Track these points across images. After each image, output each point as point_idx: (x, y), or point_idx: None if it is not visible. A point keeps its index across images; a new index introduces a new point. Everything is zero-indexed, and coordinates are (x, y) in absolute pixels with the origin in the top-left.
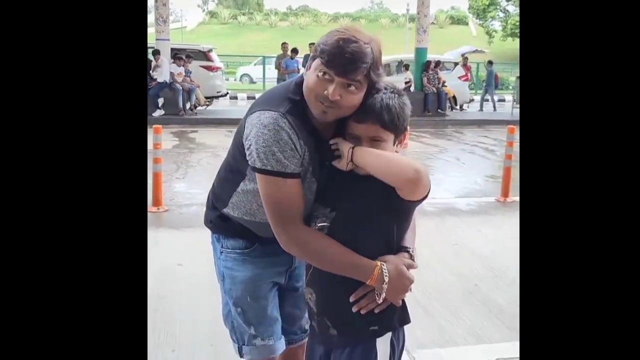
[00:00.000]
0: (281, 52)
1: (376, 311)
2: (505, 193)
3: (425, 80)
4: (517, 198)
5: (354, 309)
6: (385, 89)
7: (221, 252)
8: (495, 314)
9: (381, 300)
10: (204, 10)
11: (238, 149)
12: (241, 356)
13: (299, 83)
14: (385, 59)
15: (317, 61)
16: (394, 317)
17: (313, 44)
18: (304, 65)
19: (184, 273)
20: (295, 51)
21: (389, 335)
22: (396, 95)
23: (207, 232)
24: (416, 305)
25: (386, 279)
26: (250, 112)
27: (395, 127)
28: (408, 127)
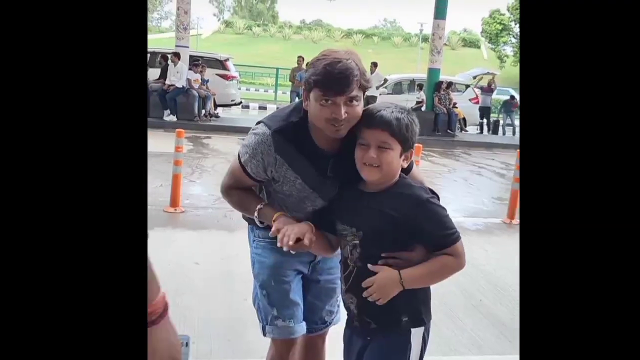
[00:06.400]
0: (296, 65)
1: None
2: (511, 215)
3: (436, 100)
4: None
5: (364, 295)
6: (396, 106)
7: (253, 241)
8: (497, 328)
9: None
10: (219, 20)
11: None
12: (264, 334)
13: (297, 108)
14: (397, 77)
15: (315, 92)
16: (422, 312)
17: None
18: None
19: (200, 271)
20: None
21: (421, 329)
22: (405, 112)
23: (221, 234)
24: None
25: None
26: (259, 121)
27: (403, 137)
28: (415, 145)
